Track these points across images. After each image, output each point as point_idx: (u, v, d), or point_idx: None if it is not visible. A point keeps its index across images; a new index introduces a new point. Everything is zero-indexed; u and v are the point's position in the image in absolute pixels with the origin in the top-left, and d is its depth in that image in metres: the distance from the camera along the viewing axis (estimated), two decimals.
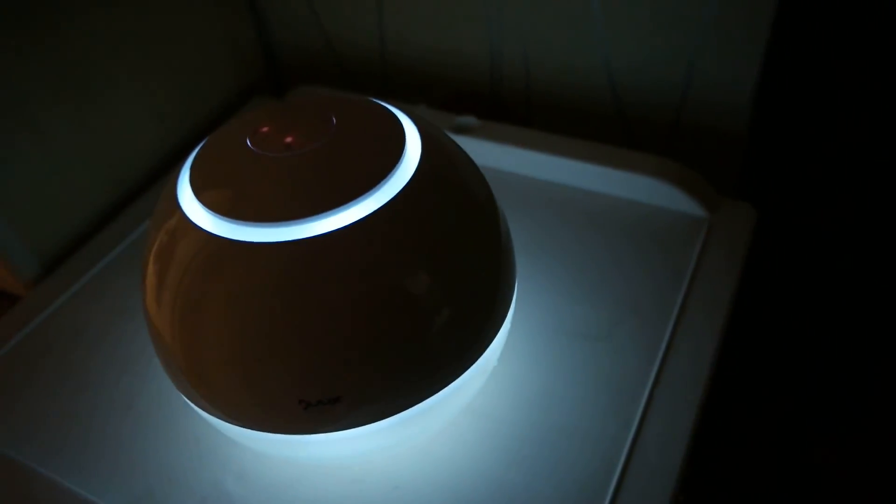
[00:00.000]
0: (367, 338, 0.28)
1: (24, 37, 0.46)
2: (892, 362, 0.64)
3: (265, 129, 0.32)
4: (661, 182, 0.48)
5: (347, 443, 0.31)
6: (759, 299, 0.63)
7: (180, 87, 0.59)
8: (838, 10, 0.52)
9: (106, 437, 0.39)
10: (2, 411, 0.41)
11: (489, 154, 0.52)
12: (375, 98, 0.36)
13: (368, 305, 0.28)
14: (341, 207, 0.28)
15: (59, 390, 0.42)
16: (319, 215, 0.28)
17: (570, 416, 0.38)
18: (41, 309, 0.47)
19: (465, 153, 0.35)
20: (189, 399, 0.33)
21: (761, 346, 0.68)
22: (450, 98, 0.64)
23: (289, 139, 0.31)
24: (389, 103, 0.35)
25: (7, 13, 0.45)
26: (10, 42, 0.46)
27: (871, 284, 0.63)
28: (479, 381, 0.34)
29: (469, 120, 0.54)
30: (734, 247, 0.46)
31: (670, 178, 0.48)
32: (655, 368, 0.40)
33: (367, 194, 0.29)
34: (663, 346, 0.41)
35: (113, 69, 0.53)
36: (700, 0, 0.50)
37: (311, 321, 0.28)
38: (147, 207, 0.54)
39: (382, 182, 0.29)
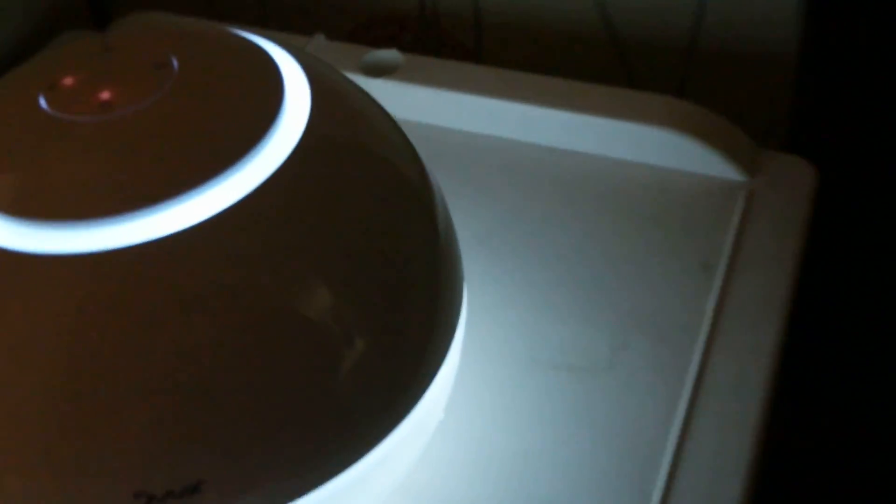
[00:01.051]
0: (234, 389, 0.28)
1: None
2: None
3: (69, 79, 0.32)
4: (674, 134, 0.49)
5: None
6: (824, 294, 0.63)
7: None
8: None
9: None
10: None
11: (419, 105, 0.52)
12: (245, 29, 0.36)
13: (233, 340, 0.28)
14: (184, 196, 0.28)
15: None
16: (151, 208, 0.28)
17: (560, 492, 0.38)
18: None
19: (379, 107, 0.36)
20: None
21: (831, 363, 0.69)
22: (359, 25, 0.63)
23: (105, 94, 0.31)
24: (265, 35, 0.35)
25: None
26: None
27: None
28: (416, 443, 0.34)
29: (388, 54, 0.55)
30: (787, 222, 0.47)
31: (688, 127, 0.49)
32: (682, 411, 0.40)
33: (223, 175, 0.29)
34: (691, 377, 0.41)
35: None
36: None
37: (144, 370, 0.27)
38: None
39: (247, 156, 0.29)
